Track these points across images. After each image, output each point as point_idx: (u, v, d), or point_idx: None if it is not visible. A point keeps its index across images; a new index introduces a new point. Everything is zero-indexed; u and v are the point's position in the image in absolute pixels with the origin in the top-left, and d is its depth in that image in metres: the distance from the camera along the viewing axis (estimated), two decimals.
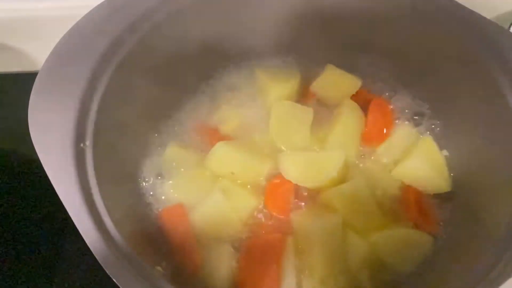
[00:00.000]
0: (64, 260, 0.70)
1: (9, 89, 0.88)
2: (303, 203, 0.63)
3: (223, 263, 0.58)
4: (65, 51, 0.52)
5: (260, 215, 0.62)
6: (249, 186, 0.64)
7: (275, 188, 0.63)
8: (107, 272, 0.43)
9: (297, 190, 0.64)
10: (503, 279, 0.44)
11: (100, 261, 0.44)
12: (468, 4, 0.58)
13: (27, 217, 0.74)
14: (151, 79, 0.62)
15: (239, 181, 0.63)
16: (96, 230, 0.45)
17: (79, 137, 0.49)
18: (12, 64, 0.91)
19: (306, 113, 0.67)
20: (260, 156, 0.65)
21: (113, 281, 0.43)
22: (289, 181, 0.63)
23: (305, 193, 0.64)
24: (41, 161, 0.47)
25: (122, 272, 0.44)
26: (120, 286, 0.43)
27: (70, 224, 0.45)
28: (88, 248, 0.44)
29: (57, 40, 0.54)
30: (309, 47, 0.73)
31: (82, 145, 0.48)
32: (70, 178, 0.46)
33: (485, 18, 0.56)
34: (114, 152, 0.55)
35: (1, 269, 0.70)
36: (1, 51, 0.93)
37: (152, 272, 0.45)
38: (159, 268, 0.47)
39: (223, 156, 0.63)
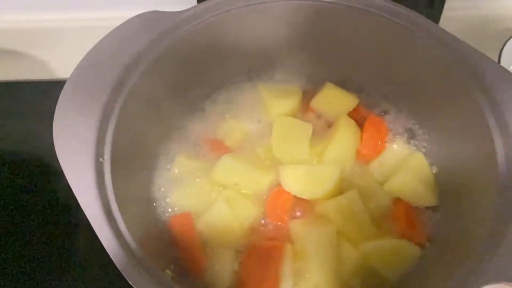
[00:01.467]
0: (76, 256, 0.75)
1: (29, 97, 0.93)
2: (301, 213, 0.68)
3: (225, 267, 0.62)
4: (88, 68, 0.58)
5: (261, 223, 0.67)
6: (251, 196, 0.68)
7: (275, 198, 0.68)
8: (124, 276, 0.48)
9: (296, 201, 0.68)
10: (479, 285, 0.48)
11: (116, 264, 0.48)
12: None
13: (43, 213, 0.79)
14: (162, 94, 0.67)
15: (242, 191, 0.68)
16: (113, 236, 0.50)
17: (99, 151, 0.54)
18: (32, 72, 0.96)
19: (305, 128, 0.71)
20: (262, 168, 0.70)
21: (123, 278, 0.48)
22: (289, 192, 0.67)
23: (303, 204, 0.68)
24: (65, 172, 0.52)
25: (137, 275, 0.49)
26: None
27: (84, 221, 0.50)
28: (100, 245, 0.49)
29: (76, 49, 0.60)
30: (310, 66, 0.78)
31: (101, 159, 0.53)
32: (91, 190, 0.51)
33: (472, 47, 0.61)
34: (129, 165, 0.60)
35: (14, 262, 0.75)
36: (22, 60, 0.98)
37: (163, 276, 0.50)
38: (168, 271, 0.52)
39: (228, 168, 0.68)
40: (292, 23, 0.70)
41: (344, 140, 0.71)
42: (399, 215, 0.67)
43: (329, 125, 0.76)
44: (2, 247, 0.76)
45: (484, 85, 0.59)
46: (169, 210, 0.67)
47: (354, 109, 0.76)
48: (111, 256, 0.49)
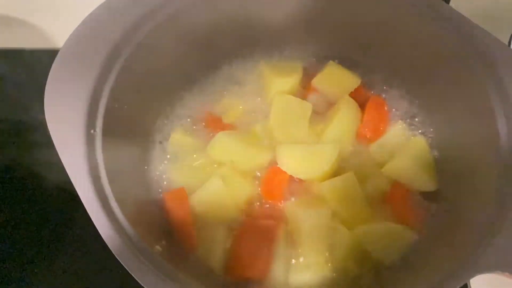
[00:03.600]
0: (73, 231, 0.75)
1: (27, 65, 0.92)
2: (296, 194, 0.67)
3: (217, 245, 0.62)
4: (82, 37, 0.56)
5: (256, 202, 0.66)
6: (247, 174, 0.68)
7: (271, 177, 0.67)
8: (110, 248, 0.47)
9: (291, 181, 0.67)
10: (470, 274, 0.47)
11: (103, 237, 0.48)
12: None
13: (39, 187, 0.79)
14: (159, 67, 0.65)
15: (238, 169, 0.67)
16: (102, 209, 0.49)
17: (90, 123, 0.53)
18: (30, 41, 0.95)
19: (305, 107, 0.70)
20: (259, 146, 0.68)
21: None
22: (285, 172, 0.66)
23: (299, 184, 0.67)
24: (54, 143, 0.51)
25: (126, 253, 0.48)
26: (123, 264, 0.47)
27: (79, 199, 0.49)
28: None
29: (74, 19, 0.58)
30: (313, 43, 0.76)
31: (92, 131, 0.52)
32: (80, 161, 0.50)
33: (484, 30, 0.59)
34: (122, 139, 0.59)
35: (12, 237, 0.75)
36: (20, 28, 0.97)
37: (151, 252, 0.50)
38: (158, 247, 0.51)
39: (224, 145, 0.66)
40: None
41: (344, 121, 0.70)
42: (397, 199, 0.66)
43: (330, 105, 0.74)
44: None
45: (492, 67, 0.57)
46: (163, 185, 0.66)
47: (356, 90, 0.74)
48: (98, 229, 0.48)
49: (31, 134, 0.85)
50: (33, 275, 0.72)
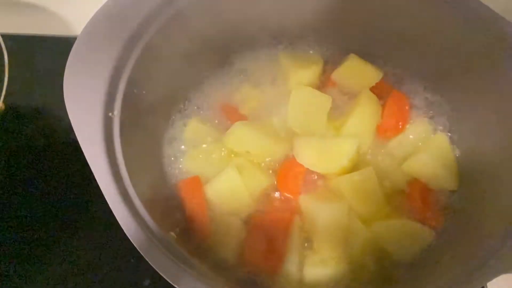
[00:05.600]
0: (87, 218, 0.75)
1: (48, 51, 0.92)
2: (313, 187, 0.66)
3: (231, 235, 0.61)
4: (104, 20, 0.55)
5: (271, 194, 0.65)
6: (263, 165, 0.67)
7: (287, 170, 0.66)
8: (126, 233, 0.47)
9: (308, 174, 0.66)
10: (490, 276, 0.46)
11: (119, 221, 0.47)
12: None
13: (55, 175, 0.79)
14: (178, 55, 0.65)
15: (254, 160, 0.66)
16: (117, 192, 0.49)
17: (108, 106, 0.52)
18: (52, 28, 0.95)
19: (324, 100, 0.69)
20: (275, 138, 0.67)
21: (131, 242, 0.47)
22: (302, 165, 0.65)
23: (316, 178, 0.66)
24: (72, 125, 0.50)
25: (141, 237, 0.48)
26: (138, 249, 0.47)
27: (94, 183, 0.49)
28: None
29: (93, 6, 0.57)
30: (334, 35, 0.74)
31: (110, 114, 0.52)
32: (98, 144, 0.50)
33: (508, 21, 0.57)
34: (139, 123, 0.58)
35: (27, 223, 0.75)
36: (42, 15, 0.97)
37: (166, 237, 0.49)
38: (172, 233, 0.51)
39: (240, 135, 0.66)
40: None
41: (364, 115, 0.68)
42: (415, 197, 0.65)
43: (350, 99, 0.72)
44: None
45: None
46: (178, 173, 0.66)
47: (377, 84, 0.72)
48: (114, 212, 0.48)
49: (50, 119, 0.85)
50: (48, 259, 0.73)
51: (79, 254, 0.72)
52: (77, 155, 0.50)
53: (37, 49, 0.94)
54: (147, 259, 0.45)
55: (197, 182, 0.64)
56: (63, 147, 0.80)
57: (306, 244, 0.62)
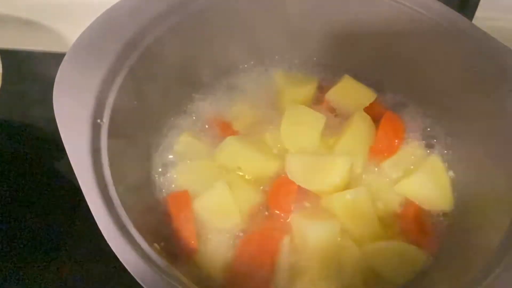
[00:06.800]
0: (75, 232, 0.73)
1: (43, 67, 0.92)
2: (304, 205, 0.64)
3: (219, 252, 0.59)
4: (97, 31, 0.56)
5: (261, 212, 0.64)
6: (254, 182, 0.65)
7: (279, 187, 0.65)
8: (109, 243, 0.45)
9: (300, 192, 0.64)
10: None
11: (102, 231, 0.45)
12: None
13: (42, 188, 0.78)
14: (172, 68, 0.65)
15: (245, 176, 0.65)
16: (102, 201, 0.47)
17: (98, 114, 0.51)
18: (48, 44, 0.96)
19: (318, 119, 0.68)
20: (268, 155, 0.66)
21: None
22: (293, 183, 0.64)
23: (308, 196, 0.65)
24: (59, 128, 0.49)
25: (123, 246, 0.46)
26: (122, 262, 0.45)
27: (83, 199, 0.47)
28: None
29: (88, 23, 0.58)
30: (329, 56, 0.75)
31: (99, 121, 0.51)
32: (83, 149, 0.49)
33: (507, 47, 0.57)
34: (129, 133, 0.57)
35: (15, 238, 0.73)
36: (40, 31, 0.98)
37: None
38: (156, 245, 0.49)
39: (232, 150, 0.65)
40: (314, 8, 0.67)
41: (357, 135, 0.68)
42: (409, 218, 0.63)
43: (343, 119, 0.72)
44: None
45: None
46: (167, 186, 0.64)
47: (371, 105, 0.72)
48: (97, 222, 0.46)
49: (42, 133, 0.84)
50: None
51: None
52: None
53: (33, 65, 0.94)
54: (128, 269, 0.43)
55: (186, 197, 0.62)
56: (53, 163, 0.78)
57: (295, 264, 0.60)
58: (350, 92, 0.73)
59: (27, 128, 0.87)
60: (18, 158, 0.82)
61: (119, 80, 0.55)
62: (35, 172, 0.79)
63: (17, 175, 0.79)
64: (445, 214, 0.63)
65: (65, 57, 0.54)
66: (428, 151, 0.69)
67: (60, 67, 0.53)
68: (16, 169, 0.80)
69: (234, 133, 0.69)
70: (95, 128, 0.51)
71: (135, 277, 0.43)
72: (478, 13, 0.88)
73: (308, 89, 0.73)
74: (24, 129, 0.86)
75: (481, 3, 0.87)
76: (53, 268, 0.70)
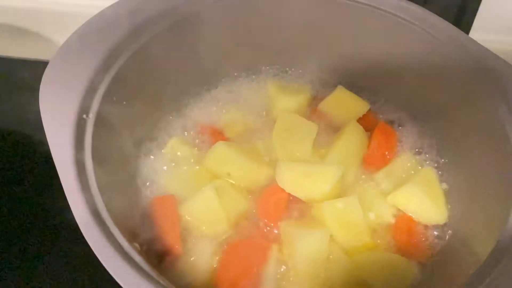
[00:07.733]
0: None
1: (35, 74, 0.92)
2: (294, 214, 0.63)
3: (204, 259, 0.57)
4: (86, 33, 0.56)
5: (249, 219, 0.62)
6: (243, 189, 0.64)
7: (268, 195, 0.63)
8: (89, 243, 0.43)
9: (290, 201, 0.63)
10: None
11: (82, 230, 0.44)
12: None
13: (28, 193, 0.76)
14: (163, 73, 0.64)
15: (234, 183, 0.64)
16: (83, 197, 0.46)
17: (84, 109, 0.51)
18: (44, 53, 0.96)
19: (310, 128, 0.68)
20: (259, 162, 0.65)
21: None
22: (283, 191, 0.62)
23: (298, 205, 0.63)
24: (45, 130, 0.48)
25: (104, 246, 0.44)
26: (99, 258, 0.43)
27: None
28: None
29: None
30: (323, 67, 0.75)
31: (85, 116, 0.50)
32: (68, 147, 0.48)
33: (503, 60, 0.57)
34: (116, 133, 0.56)
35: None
36: (35, 40, 0.98)
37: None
38: (136, 244, 0.47)
39: (221, 155, 0.63)
40: (309, 18, 0.68)
41: (349, 145, 0.67)
42: (401, 230, 0.62)
43: (336, 130, 0.71)
44: None
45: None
46: (154, 189, 0.63)
47: (364, 116, 0.72)
48: (77, 220, 0.44)
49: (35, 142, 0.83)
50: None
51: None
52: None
53: (23, 72, 0.94)
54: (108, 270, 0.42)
55: (172, 201, 0.61)
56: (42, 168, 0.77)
57: (283, 274, 0.58)
58: (344, 103, 0.73)
59: (16, 135, 0.85)
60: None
61: (107, 80, 0.55)
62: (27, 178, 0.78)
63: (7, 182, 0.77)
64: (437, 227, 0.62)
65: (53, 58, 0.54)
66: (421, 162, 0.68)
67: (48, 66, 0.53)
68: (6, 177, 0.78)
69: (225, 140, 0.68)
70: (80, 128, 0.50)
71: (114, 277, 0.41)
72: (471, 35, 0.89)
73: (301, 98, 0.73)
74: (13, 136, 0.85)
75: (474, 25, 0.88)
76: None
